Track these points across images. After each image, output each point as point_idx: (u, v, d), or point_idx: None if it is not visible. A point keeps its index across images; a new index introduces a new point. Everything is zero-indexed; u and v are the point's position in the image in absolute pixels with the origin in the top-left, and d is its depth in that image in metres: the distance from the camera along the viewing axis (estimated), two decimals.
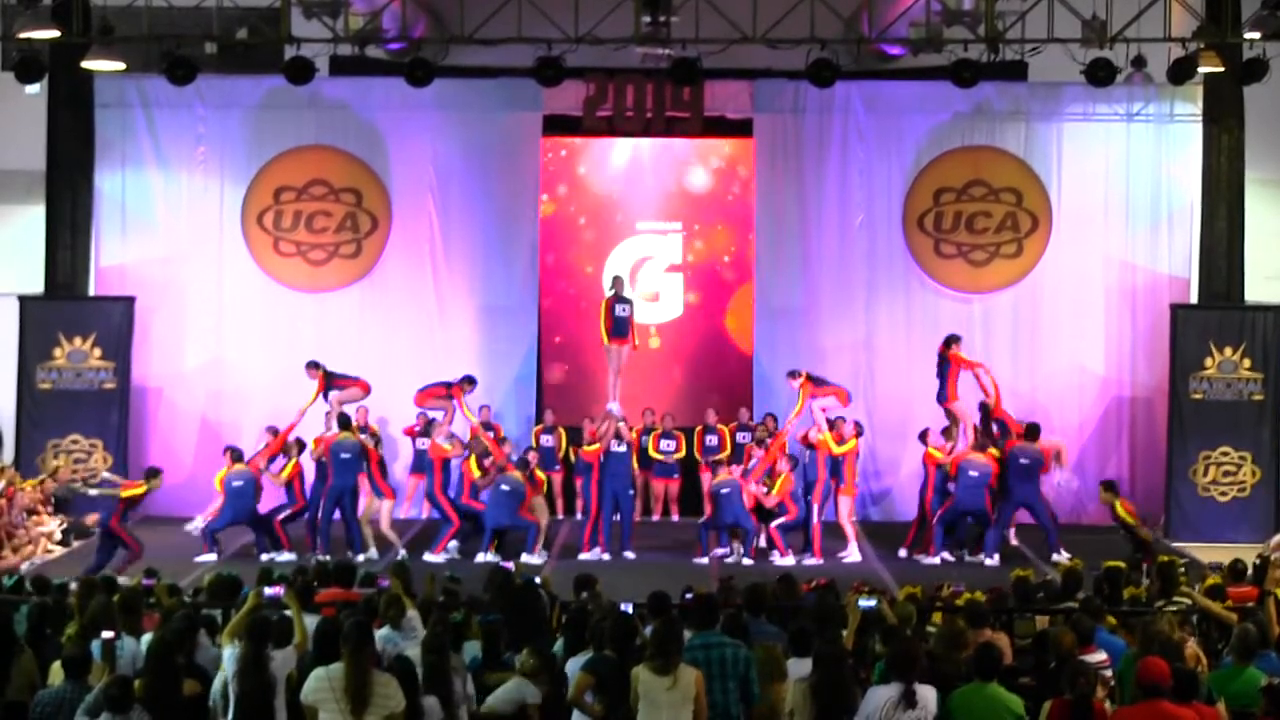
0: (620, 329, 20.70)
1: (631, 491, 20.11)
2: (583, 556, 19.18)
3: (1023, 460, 19.51)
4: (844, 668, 9.88)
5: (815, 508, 19.55)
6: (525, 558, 18.38)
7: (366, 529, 19.44)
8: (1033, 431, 19.79)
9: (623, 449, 19.72)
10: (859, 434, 19.95)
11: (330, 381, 20.18)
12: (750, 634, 10.80)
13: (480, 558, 18.80)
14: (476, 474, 19.72)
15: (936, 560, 19.30)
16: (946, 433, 19.97)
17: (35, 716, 9.98)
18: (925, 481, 20.02)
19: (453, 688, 10.21)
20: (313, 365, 20.30)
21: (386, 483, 19.84)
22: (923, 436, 20.13)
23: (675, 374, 23.78)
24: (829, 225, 22.64)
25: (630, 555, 19.49)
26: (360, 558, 18.70)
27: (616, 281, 21.12)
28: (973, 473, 19.36)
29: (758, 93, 22.52)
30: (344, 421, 19.48)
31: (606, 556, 19.34)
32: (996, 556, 19.30)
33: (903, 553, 19.61)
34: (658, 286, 23.55)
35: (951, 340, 20.17)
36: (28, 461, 21.49)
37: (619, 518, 19.72)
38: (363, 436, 19.65)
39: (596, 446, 19.76)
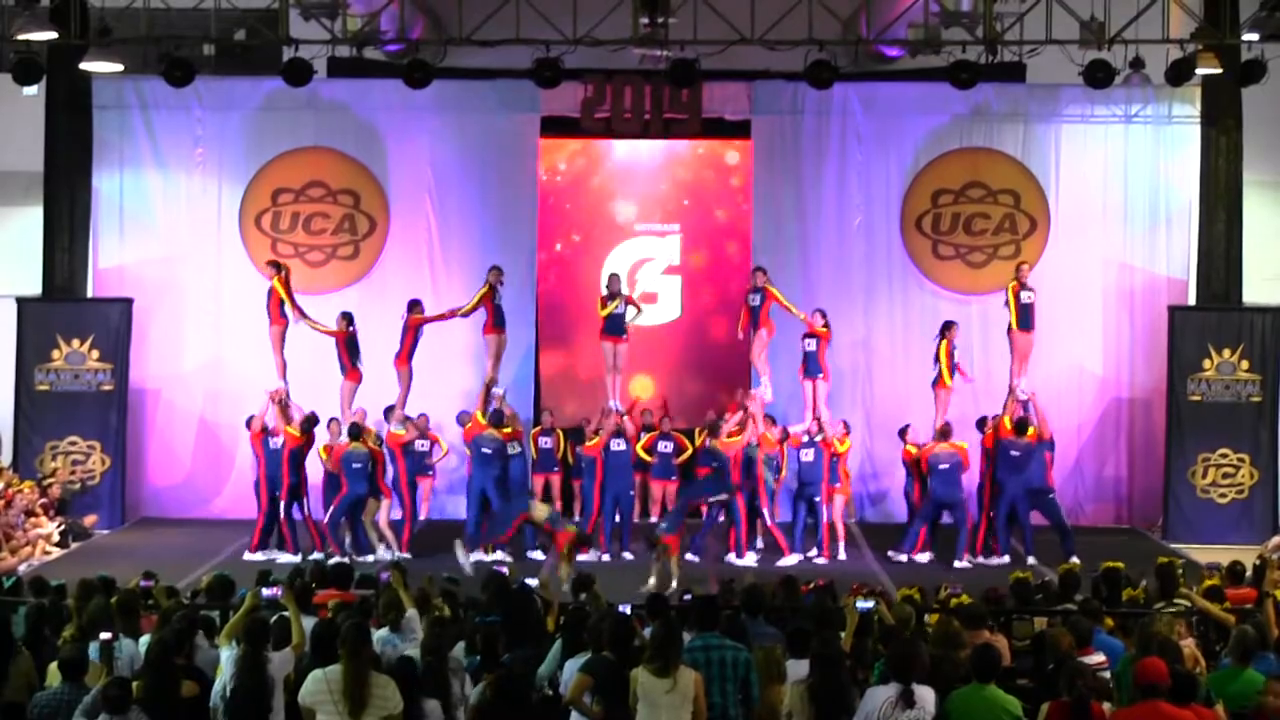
0: (615, 327, 20.68)
1: (632, 493, 20.16)
2: (581, 558, 19.15)
3: (1013, 453, 19.47)
4: (841, 669, 9.89)
5: (824, 508, 19.60)
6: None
7: (373, 532, 19.49)
8: (1022, 426, 19.69)
9: (623, 447, 19.76)
10: (847, 433, 20.14)
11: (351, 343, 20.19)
12: (749, 635, 10.80)
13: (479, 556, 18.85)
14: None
15: (925, 558, 19.37)
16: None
17: (33, 718, 9.97)
18: (910, 480, 20.04)
19: (451, 689, 10.21)
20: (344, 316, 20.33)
21: (385, 483, 19.81)
22: (902, 433, 20.14)
23: (673, 376, 23.77)
24: (827, 227, 22.64)
25: (629, 556, 19.51)
26: (370, 558, 18.82)
27: (612, 279, 21.10)
28: (942, 466, 19.39)
29: (756, 94, 22.50)
30: (354, 432, 19.48)
31: (606, 557, 19.36)
32: (1007, 557, 19.28)
33: (902, 557, 19.51)
34: (656, 288, 23.55)
35: (946, 328, 20.18)
36: (26, 463, 21.47)
37: (619, 519, 19.75)
38: (371, 436, 19.66)
39: (597, 440, 19.81)
